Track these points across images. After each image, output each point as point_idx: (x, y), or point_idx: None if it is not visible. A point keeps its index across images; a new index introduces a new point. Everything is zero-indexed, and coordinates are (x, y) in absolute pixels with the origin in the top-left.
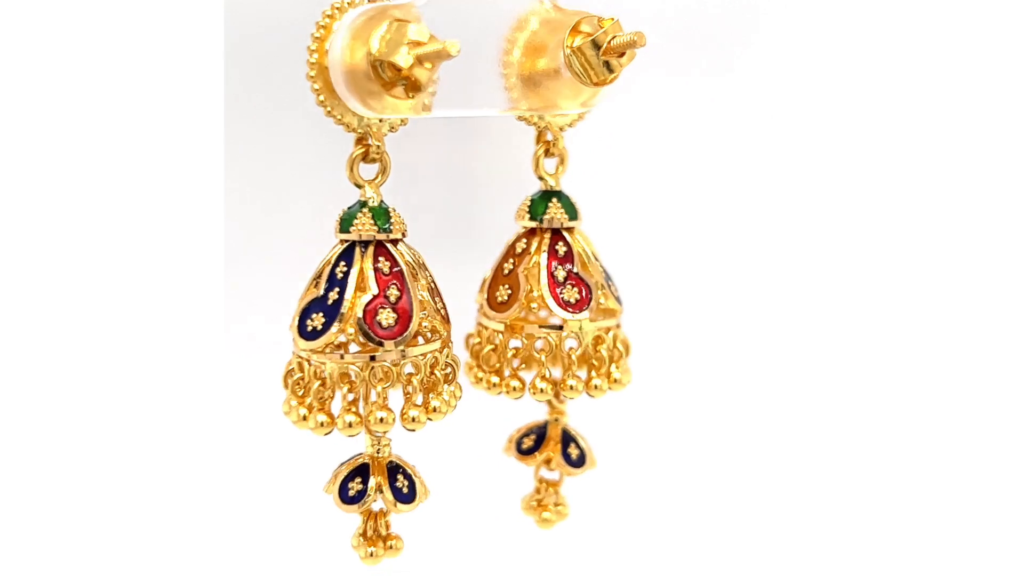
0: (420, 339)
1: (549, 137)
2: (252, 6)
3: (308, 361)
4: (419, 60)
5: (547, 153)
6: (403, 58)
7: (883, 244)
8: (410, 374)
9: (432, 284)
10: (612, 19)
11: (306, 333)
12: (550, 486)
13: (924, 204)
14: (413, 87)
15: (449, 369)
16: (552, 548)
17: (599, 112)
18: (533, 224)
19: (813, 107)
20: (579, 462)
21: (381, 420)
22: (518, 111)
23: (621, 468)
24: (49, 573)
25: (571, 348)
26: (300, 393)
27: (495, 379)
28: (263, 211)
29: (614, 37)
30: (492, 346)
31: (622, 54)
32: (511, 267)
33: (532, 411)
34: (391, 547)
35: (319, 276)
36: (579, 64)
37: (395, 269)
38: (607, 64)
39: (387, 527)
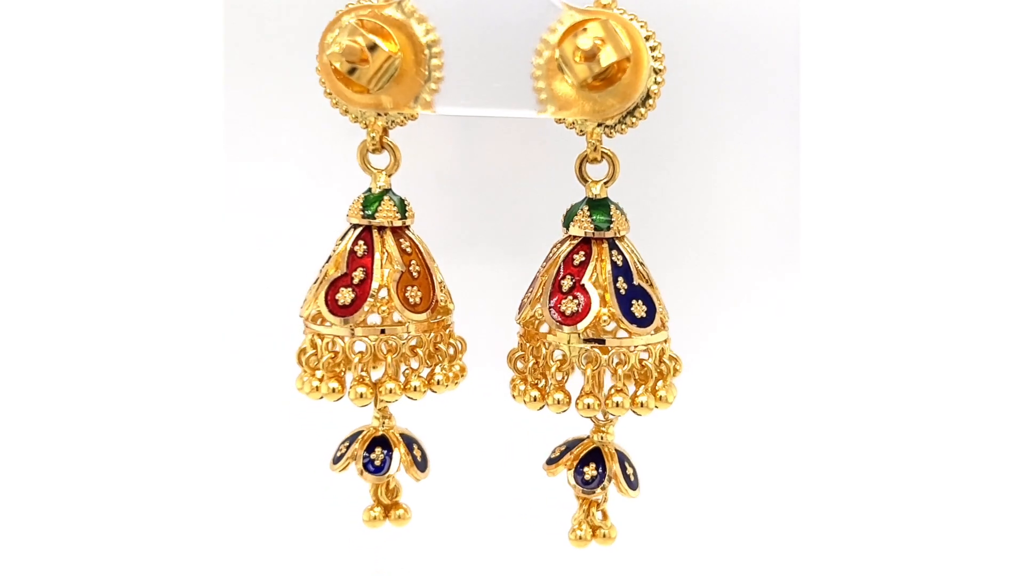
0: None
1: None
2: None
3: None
4: (349, 61)
5: (588, 159)
6: (336, 58)
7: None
8: (360, 352)
9: (414, 273)
10: (598, 20)
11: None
12: (585, 503)
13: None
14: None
15: (416, 356)
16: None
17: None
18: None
19: (856, 123)
20: (591, 483)
21: (333, 390)
22: (548, 114)
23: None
24: (56, 559)
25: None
26: (332, 365)
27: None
28: (265, 205)
29: (580, 39)
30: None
31: (589, 58)
32: (540, 272)
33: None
34: (399, 517)
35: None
36: (563, 65)
37: (366, 252)
38: (604, 67)
39: (396, 495)
